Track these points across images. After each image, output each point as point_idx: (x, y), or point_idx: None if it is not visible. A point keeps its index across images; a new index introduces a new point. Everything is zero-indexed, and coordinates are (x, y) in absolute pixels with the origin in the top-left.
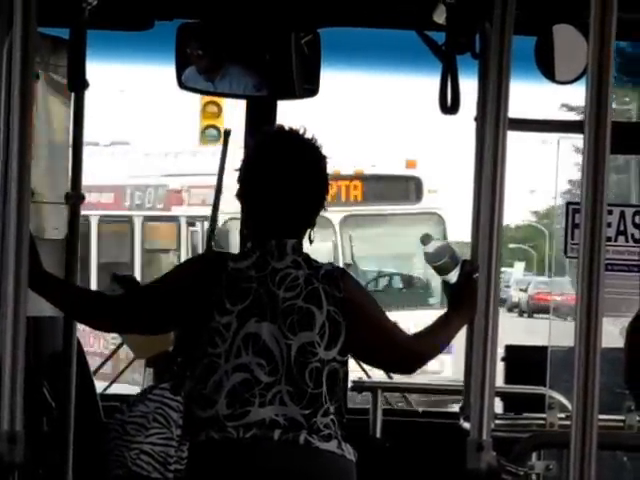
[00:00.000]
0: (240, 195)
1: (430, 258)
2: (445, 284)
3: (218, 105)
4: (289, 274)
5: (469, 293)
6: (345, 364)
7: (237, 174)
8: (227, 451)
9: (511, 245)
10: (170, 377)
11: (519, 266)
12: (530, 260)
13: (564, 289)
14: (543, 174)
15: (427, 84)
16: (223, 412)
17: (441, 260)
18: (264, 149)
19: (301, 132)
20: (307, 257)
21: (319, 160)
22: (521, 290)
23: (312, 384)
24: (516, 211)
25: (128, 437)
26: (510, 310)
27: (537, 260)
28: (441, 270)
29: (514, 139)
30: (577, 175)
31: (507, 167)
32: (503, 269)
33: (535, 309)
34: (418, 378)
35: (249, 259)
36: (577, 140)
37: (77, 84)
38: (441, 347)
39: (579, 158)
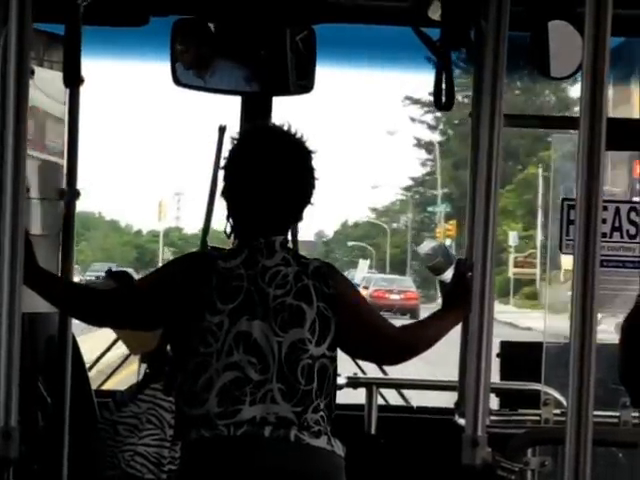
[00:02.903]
0: (225, 193)
1: (424, 258)
2: (442, 284)
3: None
4: (279, 271)
5: (463, 291)
6: (334, 359)
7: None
8: (218, 449)
9: (350, 243)
10: (162, 377)
11: (363, 264)
12: (369, 258)
13: (403, 287)
14: (388, 168)
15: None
16: (214, 410)
17: (435, 260)
18: (248, 146)
19: (285, 128)
20: (295, 253)
21: (304, 155)
22: (364, 288)
23: (304, 381)
24: (356, 208)
25: (120, 438)
26: None
27: (376, 258)
28: (435, 270)
29: (357, 129)
30: (420, 170)
31: (348, 161)
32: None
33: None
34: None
35: (238, 257)
36: (421, 133)
37: (72, 80)
38: (431, 342)
39: (421, 153)
